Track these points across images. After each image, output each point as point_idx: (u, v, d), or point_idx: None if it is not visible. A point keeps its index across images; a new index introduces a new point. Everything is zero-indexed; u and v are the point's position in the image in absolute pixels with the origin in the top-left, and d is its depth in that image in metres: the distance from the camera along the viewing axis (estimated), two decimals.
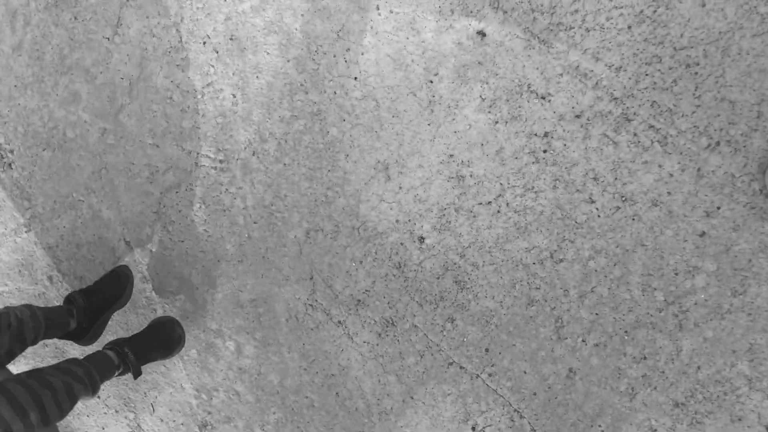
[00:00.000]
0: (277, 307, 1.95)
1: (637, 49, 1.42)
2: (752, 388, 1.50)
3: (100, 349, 1.91)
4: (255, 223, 1.88)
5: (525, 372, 1.70)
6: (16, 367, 2.49)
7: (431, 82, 1.60)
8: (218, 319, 2.04)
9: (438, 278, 1.73)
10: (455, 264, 1.70)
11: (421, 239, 1.72)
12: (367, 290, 1.81)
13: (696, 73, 1.39)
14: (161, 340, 2.02)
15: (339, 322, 1.87)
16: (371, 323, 1.83)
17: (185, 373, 2.16)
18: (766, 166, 1.38)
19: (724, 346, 1.51)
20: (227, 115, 1.81)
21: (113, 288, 2.00)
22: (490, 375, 1.74)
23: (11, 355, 1.58)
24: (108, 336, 2.22)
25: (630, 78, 1.44)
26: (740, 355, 1.50)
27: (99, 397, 2.40)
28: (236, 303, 2.00)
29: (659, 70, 1.41)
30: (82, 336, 1.94)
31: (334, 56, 1.67)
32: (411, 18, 1.57)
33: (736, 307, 1.47)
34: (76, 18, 1.93)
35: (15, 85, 2.07)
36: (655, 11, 1.38)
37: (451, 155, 1.63)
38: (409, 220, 1.71)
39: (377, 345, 1.84)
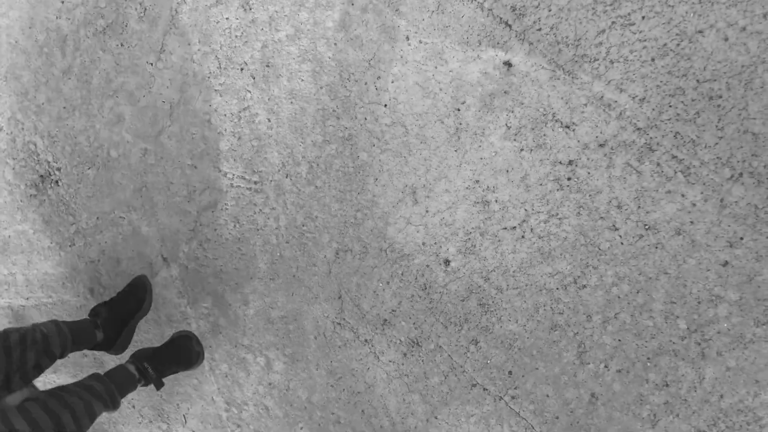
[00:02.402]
0: (307, 324, 2.00)
1: (661, 81, 1.44)
2: None
3: (127, 359, 2.02)
4: (287, 242, 1.95)
5: (548, 395, 1.72)
6: (57, 376, 2.59)
7: (458, 110, 1.64)
8: (249, 334, 2.10)
9: (463, 300, 1.76)
10: (480, 287, 1.73)
11: (447, 262, 1.75)
12: (393, 310, 1.85)
13: (719, 106, 1.41)
14: (181, 355, 2.11)
15: (366, 340, 1.92)
16: (397, 343, 1.87)
17: (216, 387, 2.23)
18: None
19: (747, 375, 1.51)
20: (262, 138, 1.88)
21: (134, 297, 2.09)
22: (513, 397, 1.76)
23: (39, 369, 1.65)
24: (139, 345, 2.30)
25: (653, 109, 1.46)
26: (763, 385, 1.50)
27: (134, 406, 2.48)
28: (267, 319, 2.06)
29: (682, 101, 1.43)
30: (110, 346, 2.03)
31: (365, 84, 1.72)
32: (440, 48, 1.62)
33: (759, 336, 1.48)
34: (122, 44, 2.03)
35: (64, 107, 2.18)
36: (678, 44, 1.41)
37: (477, 181, 1.67)
38: (435, 243, 1.75)
39: (402, 364, 1.88)
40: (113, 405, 1.75)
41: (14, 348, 1.56)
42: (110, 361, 2.46)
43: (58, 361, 2.54)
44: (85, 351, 2.50)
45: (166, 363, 2.05)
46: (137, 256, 2.21)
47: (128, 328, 2.06)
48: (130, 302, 2.07)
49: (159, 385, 1.98)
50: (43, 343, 1.66)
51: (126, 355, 2.31)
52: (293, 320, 2.01)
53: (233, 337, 2.14)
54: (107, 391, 1.73)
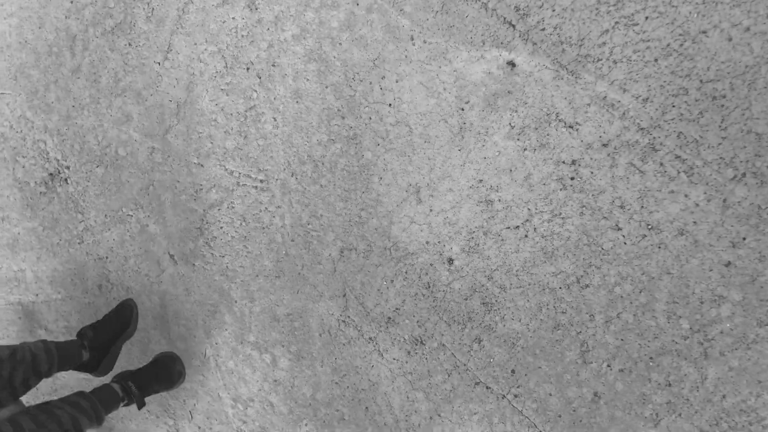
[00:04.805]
0: (312, 322, 2.01)
1: (664, 81, 1.45)
2: None
3: (112, 379, 2.09)
4: (292, 240, 1.96)
5: (550, 394, 1.73)
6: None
7: (462, 109, 1.65)
8: (255, 332, 2.12)
9: (466, 299, 1.77)
10: (483, 286, 1.74)
11: (450, 261, 1.76)
12: (397, 308, 1.86)
13: (722, 106, 1.41)
14: (163, 375, 2.19)
15: (370, 338, 1.93)
16: (401, 341, 1.88)
17: (222, 383, 2.25)
18: None
19: (750, 375, 1.51)
20: (268, 137, 1.89)
21: (120, 320, 2.18)
22: (515, 396, 1.77)
23: (26, 387, 1.72)
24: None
25: (657, 109, 1.46)
26: (766, 385, 1.50)
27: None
28: (273, 317, 2.07)
29: (686, 102, 1.44)
30: (95, 367, 2.10)
31: (370, 83, 1.73)
32: (444, 48, 1.63)
33: (761, 337, 1.48)
34: (130, 44, 2.05)
35: (73, 106, 2.21)
36: (681, 45, 1.41)
37: (481, 180, 1.67)
38: (439, 242, 1.76)
39: (406, 362, 1.89)
40: (98, 421, 1.82)
41: (4, 364, 1.64)
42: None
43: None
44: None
45: (149, 382, 2.13)
46: (145, 254, 2.23)
47: (113, 350, 2.15)
48: (115, 324, 2.16)
49: (141, 404, 2.05)
50: (32, 361, 1.74)
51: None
52: (298, 318, 2.03)
53: (239, 334, 2.16)
54: (92, 407, 1.80)
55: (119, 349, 2.20)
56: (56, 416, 1.61)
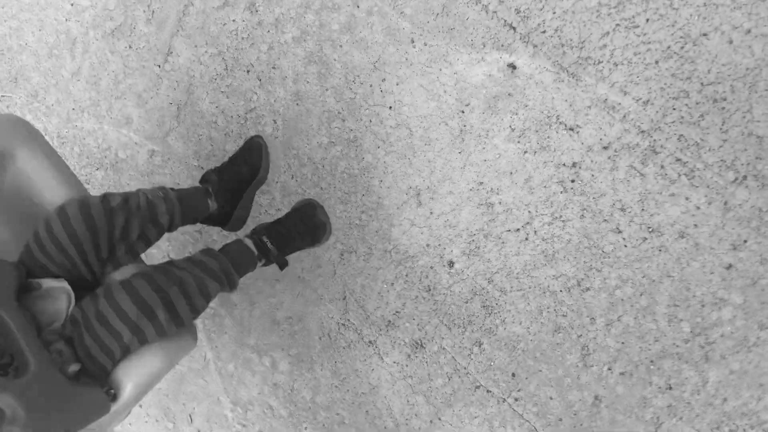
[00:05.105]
0: (312, 325, 2.01)
1: (665, 84, 1.44)
2: None
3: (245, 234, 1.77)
4: None
5: (551, 398, 1.72)
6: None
7: (463, 112, 1.65)
8: (255, 335, 2.12)
9: (466, 302, 1.77)
10: (483, 289, 1.74)
11: (451, 264, 1.76)
12: (397, 312, 1.86)
13: (723, 108, 1.41)
14: (305, 226, 1.83)
15: (370, 341, 1.92)
16: (401, 344, 1.88)
17: (222, 387, 2.24)
18: None
19: (751, 378, 1.50)
20: (268, 139, 1.89)
21: (249, 160, 1.83)
22: (516, 399, 1.77)
23: (146, 241, 1.44)
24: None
25: (657, 112, 1.46)
26: (767, 389, 1.49)
27: (140, 405, 2.50)
28: (273, 320, 2.07)
29: (686, 104, 1.43)
30: (226, 220, 1.81)
31: (371, 86, 1.73)
32: (444, 51, 1.63)
33: (763, 340, 1.47)
34: (130, 47, 2.05)
35: (73, 109, 2.21)
36: (682, 47, 1.41)
37: (481, 183, 1.67)
38: (440, 245, 1.76)
39: (406, 366, 1.89)
40: (230, 285, 1.52)
41: (117, 212, 1.31)
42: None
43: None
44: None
45: (289, 237, 1.78)
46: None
47: (244, 200, 1.83)
48: (244, 166, 1.82)
49: (282, 264, 1.74)
50: (149, 209, 1.41)
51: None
52: (298, 321, 2.03)
53: (239, 337, 2.15)
54: (222, 268, 1.49)
55: (252, 197, 1.87)
56: (178, 278, 1.32)
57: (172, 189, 1.54)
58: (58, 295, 1.27)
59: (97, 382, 1.27)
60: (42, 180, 1.40)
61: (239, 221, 1.85)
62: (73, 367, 1.22)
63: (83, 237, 1.26)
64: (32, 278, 1.28)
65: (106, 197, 1.32)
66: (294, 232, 1.78)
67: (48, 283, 1.27)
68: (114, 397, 1.28)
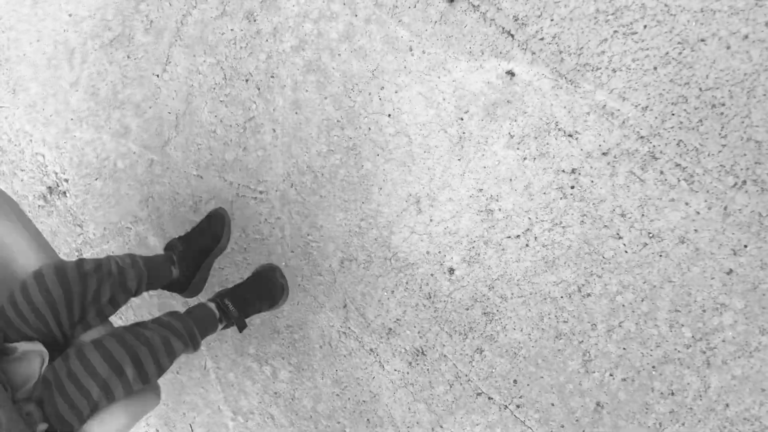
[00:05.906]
0: (312, 333, 2.00)
1: (663, 90, 1.45)
2: None
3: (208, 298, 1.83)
4: (292, 252, 1.96)
5: (553, 404, 1.72)
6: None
7: (462, 119, 1.65)
8: (255, 344, 2.11)
9: (467, 309, 1.76)
10: (484, 296, 1.73)
11: (451, 271, 1.76)
12: (398, 319, 1.86)
13: (722, 114, 1.41)
14: (264, 290, 1.92)
15: (371, 349, 1.92)
16: (402, 352, 1.87)
17: (223, 396, 2.23)
18: None
19: (753, 383, 1.50)
20: (267, 148, 1.89)
21: (211, 231, 1.93)
22: (518, 406, 1.76)
23: (115, 305, 1.49)
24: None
25: (656, 117, 1.46)
26: None
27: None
28: (273, 329, 2.06)
29: (685, 110, 1.44)
30: (185, 286, 1.88)
31: (369, 94, 1.74)
32: (443, 58, 1.63)
33: (764, 345, 1.47)
34: (129, 56, 2.05)
35: (71, 119, 2.21)
36: (680, 53, 1.42)
37: (481, 190, 1.67)
38: (440, 252, 1.76)
39: (407, 373, 1.88)
40: (193, 344, 1.57)
41: (90, 276, 1.38)
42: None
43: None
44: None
45: (249, 299, 1.87)
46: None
47: (204, 267, 1.92)
48: (206, 236, 1.91)
49: (242, 326, 1.81)
50: (119, 276, 1.48)
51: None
52: (299, 329, 2.02)
53: (239, 346, 2.15)
54: (186, 329, 1.54)
55: (210, 266, 1.95)
56: (145, 338, 1.38)
57: (139, 257, 1.63)
58: (32, 358, 1.31)
59: None
60: (16, 245, 1.44)
61: (196, 288, 1.94)
62: (41, 427, 1.24)
63: (59, 300, 1.32)
64: (5, 339, 1.32)
65: (80, 262, 1.40)
66: (254, 296, 1.89)
67: (24, 346, 1.31)
68: None
